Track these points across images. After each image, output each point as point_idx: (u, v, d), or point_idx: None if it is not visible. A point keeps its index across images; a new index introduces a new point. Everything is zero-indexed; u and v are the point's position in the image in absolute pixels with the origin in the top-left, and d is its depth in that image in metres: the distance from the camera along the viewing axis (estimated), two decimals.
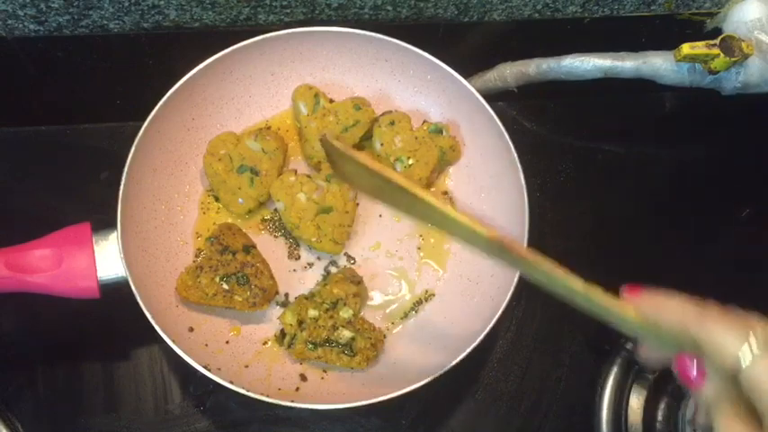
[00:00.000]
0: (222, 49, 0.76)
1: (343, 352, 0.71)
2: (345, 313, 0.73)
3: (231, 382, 0.65)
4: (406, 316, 0.77)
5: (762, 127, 0.92)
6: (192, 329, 0.73)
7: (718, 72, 0.80)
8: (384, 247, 0.80)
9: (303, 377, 0.72)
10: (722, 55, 0.78)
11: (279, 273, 0.77)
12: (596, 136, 0.91)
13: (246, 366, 0.72)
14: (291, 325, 0.72)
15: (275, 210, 0.79)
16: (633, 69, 0.82)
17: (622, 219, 0.88)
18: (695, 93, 0.84)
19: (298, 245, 0.79)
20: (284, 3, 0.80)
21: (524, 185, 0.74)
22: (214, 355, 0.71)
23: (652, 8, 0.89)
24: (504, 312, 0.76)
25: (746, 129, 0.92)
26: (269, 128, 0.82)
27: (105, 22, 0.80)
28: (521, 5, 0.86)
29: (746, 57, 0.79)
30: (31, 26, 0.78)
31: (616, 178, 0.90)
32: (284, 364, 0.73)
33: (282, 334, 0.73)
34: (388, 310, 0.78)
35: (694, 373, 0.45)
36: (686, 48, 0.79)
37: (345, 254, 0.79)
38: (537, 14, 0.88)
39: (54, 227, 0.78)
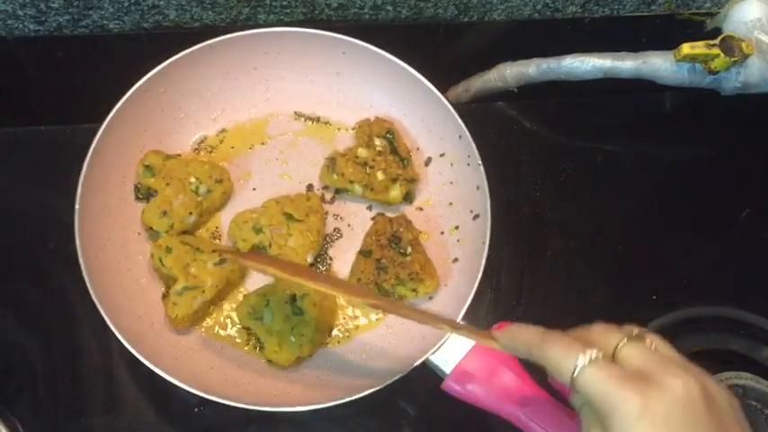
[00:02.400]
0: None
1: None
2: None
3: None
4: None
5: (762, 127, 0.92)
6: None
7: (718, 72, 0.80)
8: None
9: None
10: (722, 55, 0.78)
11: None
12: (596, 136, 0.91)
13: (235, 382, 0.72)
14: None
15: None
16: (633, 69, 0.82)
17: (622, 219, 0.88)
18: (695, 93, 0.84)
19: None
20: (284, 3, 0.80)
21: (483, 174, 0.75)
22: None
23: (652, 8, 0.89)
24: (503, 313, 0.76)
25: (746, 129, 0.92)
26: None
27: (105, 22, 0.80)
28: (521, 5, 0.86)
29: (746, 57, 0.79)
30: (31, 26, 0.78)
31: (616, 178, 0.90)
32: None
33: None
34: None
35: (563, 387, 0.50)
36: (686, 48, 0.79)
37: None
38: (537, 14, 0.88)
39: (53, 227, 0.78)
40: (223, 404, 0.67)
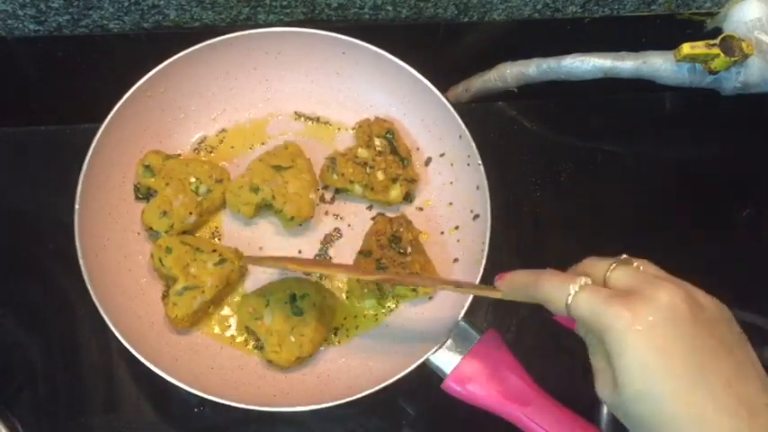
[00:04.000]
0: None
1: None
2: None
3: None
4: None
5: (762, 127, 0.92)
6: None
7: (718, 72, 0.80)
8: None
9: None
10: (722, 55, 0.78)
11: None
12: (596, 136, 0.91)
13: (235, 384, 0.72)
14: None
15: None
16: (633, 69, 0.82)
17: (622, 219, 0.88)
18: (695, 93, 0.84)
19: None
20: (284, 3, 0.81)
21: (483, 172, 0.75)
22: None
23: (652, 8, 0.89)
24: (504, 312, 0.76)
25: (746, 129, 0.92)
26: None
27: (105, 22, 0.80)
28: (521, 5, 0.87)
29: (746, 57, 0.79)
30: (31, 26, 0.78)
31: (616, 178, 0.90)
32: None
33: None
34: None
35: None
36: (686, 48, 0.79)
37: None
38: (537, 14, 0.88)
39: (53, 227, 0.78)
40: (223, 404, 0.67)
